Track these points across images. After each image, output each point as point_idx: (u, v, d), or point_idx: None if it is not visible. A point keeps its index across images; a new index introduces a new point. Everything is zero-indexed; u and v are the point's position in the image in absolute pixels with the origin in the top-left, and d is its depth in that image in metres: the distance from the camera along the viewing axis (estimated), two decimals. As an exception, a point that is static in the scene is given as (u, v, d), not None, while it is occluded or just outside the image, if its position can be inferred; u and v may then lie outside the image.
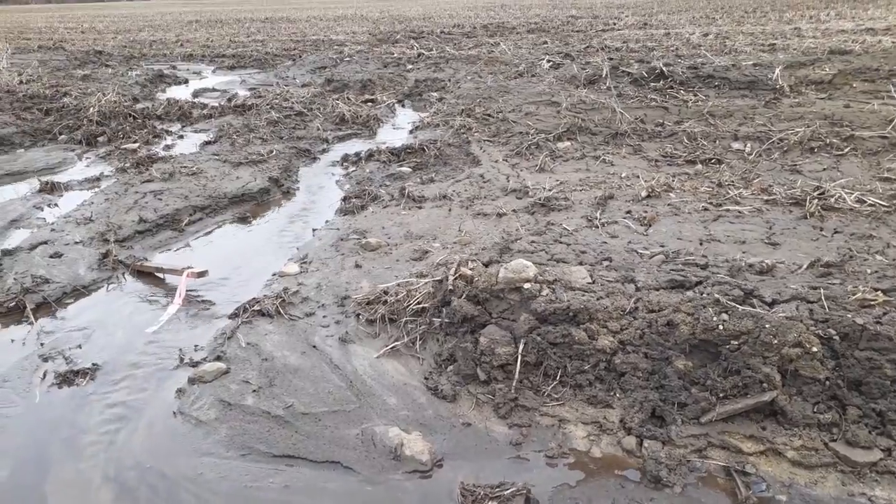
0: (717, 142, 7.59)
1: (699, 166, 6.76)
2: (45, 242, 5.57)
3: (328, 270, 5.07)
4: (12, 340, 4.26)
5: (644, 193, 5.77)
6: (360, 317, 4.35)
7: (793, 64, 10.90)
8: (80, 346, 4.19)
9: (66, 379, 3.84)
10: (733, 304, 3.32)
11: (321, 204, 6.98)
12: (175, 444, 3.29)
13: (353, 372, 3.79)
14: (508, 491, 2.64)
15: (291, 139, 9.09)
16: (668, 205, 5.52)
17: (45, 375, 3.87)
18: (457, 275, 4.19)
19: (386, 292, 4.48)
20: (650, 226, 5.03)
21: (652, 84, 10.38)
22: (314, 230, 6.09)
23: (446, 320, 4.00)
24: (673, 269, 3.94)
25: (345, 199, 6.83)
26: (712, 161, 6.89)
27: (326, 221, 6.29)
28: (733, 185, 5.97)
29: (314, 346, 4.06)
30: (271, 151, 8.28)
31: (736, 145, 7.42)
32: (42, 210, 6.59)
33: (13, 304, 4.63)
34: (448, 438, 3.23)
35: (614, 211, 5.46)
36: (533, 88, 10.82)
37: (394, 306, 4.32)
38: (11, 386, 3.77)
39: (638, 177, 6.34)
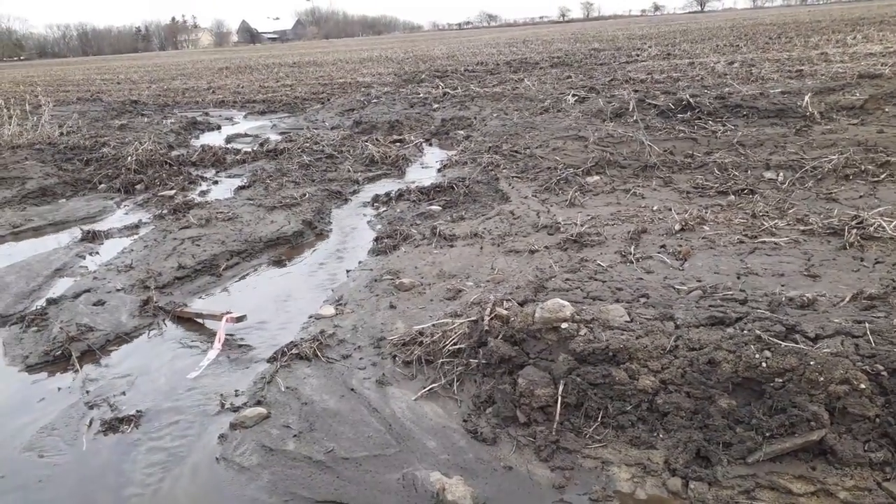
0: (749, 172, 7.54)
1: (732, 197, 6.72)
2: (88, 290, 5.72)
3: (363, 312, 5.11)
4: (59, 388, 4.36)
5: (677, 227, 5.74)
6: (397, 358, 4.37)
7: (822, 90, 10.84)
8: (124, 393, 4.27)
9: (111, 426, 3.91)
10: (775, 340, 3.27)
11: (354, 245, 7.08)
12: (219, 490, 3.32)
13: (391, 415, 3.80)
14: (554, 537, 2.61)
15: (323, 181, 9.26)
16: (703, 238, 5.48)
17: (91, 423, 3.94)
18: (492, 315, 4.20)
19: (421, 333, 4.51)
20: (685, 260, 5.00)
21: (679, 115, 10.39)
22: (348, 271, 6.16)
23: (483, 361, 4.00)
24: (712, 305, 3.90)
25: (377, 239, 6.92)
26: (745, 191, 6.84)
27: (360, 262, 6.36)
28: (768, 215, 5.92)
29: (352, 389, 4.08)
30: (304, 194, 8.44)
31: (768, 175, 7.37)
32: (84, 258, 6.79)
33: (59, 352, 4.75)
34: (490, 482, 3.21)
35: (648, 245, 5.44)
36: (559, 123, 10.90)
37: (430, 347, 4.34)
38: (59, 434, 3.85)
39: (670, 209, 6.32)
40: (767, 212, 6.04)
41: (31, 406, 4.16)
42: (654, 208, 6.54)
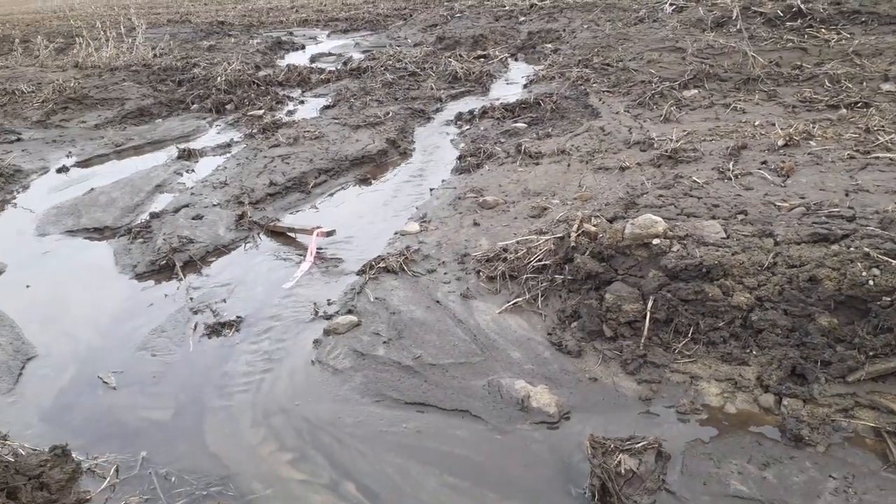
0: (865, 84, 6.92)
1: (843, 111, 6.21)
2: (187, 205, 6.00)
3: (447, 229, 5.14)
4: (165, 295, 4.67)
5: (781, 142, 5.38)
6: (481, 274, 4.40)
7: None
8: (224, 301, 4.52)
9: (214, 330, 4.16)
10: (886, 258, 3.06)
11: (437, 163, 7.06)
12: (314, 390, 3.51)
13: (476, 326, 3.86)
14: (640, 444, 2.62)
15: (406, 100, 9.20)
16: (808, 154, 5.12)
17: (196, 327, 4.22)
18: (580, 231, 4.13)
19: (505, 249, 4.50)
20: (788, 176, 4.70)
21: (788, 23, 9.56)
22: (431, 190, 6.18)
23: (569, 277, 3.96)
24: (815, 222, 3.67)
25: (460, 157, 6.86)
26: (858, 105, 6.30)
27: (443, 181, 6.35)
28: (884, 129, 5.45)
29: (438, 301, 4.16)
30: (387, 113, 8.43)
31: (886, 87, 6.74)
32: (181, 175, 7.09)
33: (164, 262, 5.04)
34: (574, 392, 3.24)
35: (748, 161, 5.14)
36: (655, 34, 10.28)
37: (514, 263, 4.33)
38: (168, 336, 4.14)
39: (773, 124, 5.92)
40: (883, 126, 5.56)
41: (142, 310, 4.48)
42: (756, 123, 6.14)
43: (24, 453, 2.92)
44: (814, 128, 5.68)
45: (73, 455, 2.99)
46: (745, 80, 7.62)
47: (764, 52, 8.44)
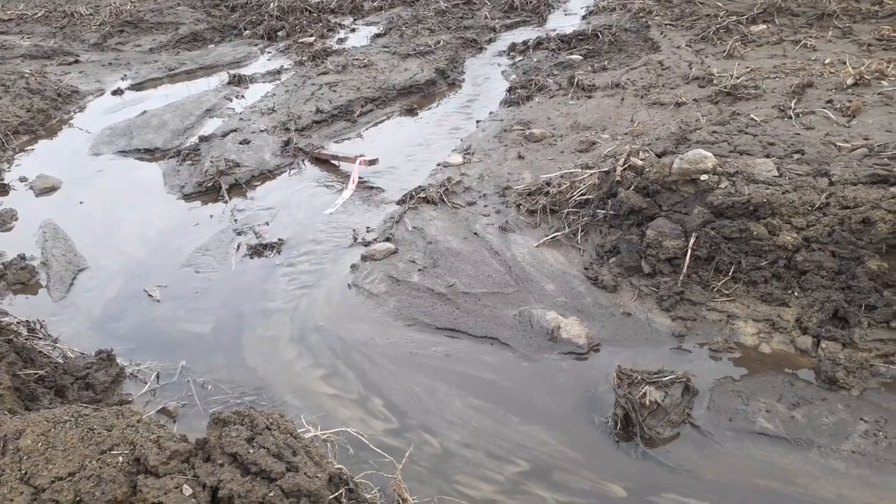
0: (951, 20, 6.39)
1: (924, 49, 5.77)
2: (235, 130, 6.06)
3: (490, 161, 5.07)
4: (211, 216, 4.77)
5: (850, 81, 5.05)
6: (521, 207, 4.34)
7: None
8: (267, 223, 4.60)
9: (256, 251, 4.25)
10: (950, 202, 2.88)
11: (486, 95, 6.91)
12: (349, 312, 3.57)
13: (511, 258, 3.83)
14: (667, 378, 2.59)
15: (458, 29, 8.98)
16: (879, 94, 4.80)
17: (238, 247, 4.31)
18: (626, 165, 4.01)
19: (548, 183, 4.42)
20: (854, 116, 4.43)
21: (871, -46, 8.84)
22: (478, 122, 6.07)
23: (611, 212, 3.88)
24: (877, 164, 3.47)
25: (510, 89, 6.70)
26: (942, 43, 5.84)
27: (490, 113, 6.23)
28: (967, 69, 5.05)
29: (475, 233, 4.14)
30: (438, 42, 8.25)
31: (976, 23, 6.21)
32: (231, 101, 7.14)
33: (210, 184, 5.14)
34: (606, 326, 3.21)
35: (812, 100, 4.86)
36: (722, -34, 9.66)
37: (556, 197, 4.26)
38: (212, 255, 4.26)
39: (844, 63, 5.55)
40: (967, 66, 5.15)
41: (188, 229, 4.60)
42: (826, 61, 5.78)
43: (72, 356, 3.08)
44: (888, 67, 5.30)
45: (118, 360, 3.15)
46: (819, 16, 7.13)
47: (843, -15, 7.84)
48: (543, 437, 2.65)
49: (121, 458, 1.83)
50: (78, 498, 1.74)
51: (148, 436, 1.90)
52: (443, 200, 4.55)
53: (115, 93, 7.65)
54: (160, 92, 7.70)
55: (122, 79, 8.13)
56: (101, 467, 1.80)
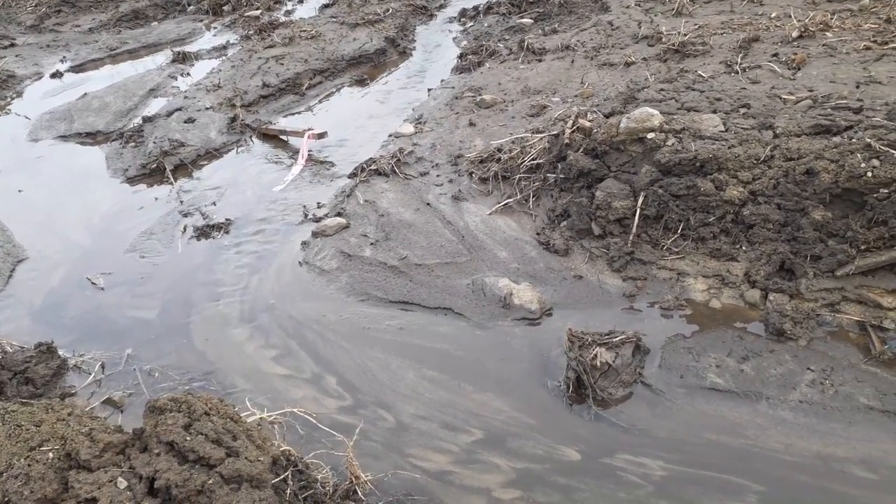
0: (894, -31, 6.43)
1: (866, 1, 5.80)
2: (180, 109, 5.86)
3: (442, 130, 4.99)
4: (156, 198, 4.62)
5: (795, 34, 5.07)
6: (473, 175, 4.29)
7: None
8: (214, 204, 4.47)
9: (203, 232, 4.14)
10: (887, 148, 2.90)
11: (437, 62, 6.80)
12: (301, 290, 3.50)
13: (464, 227, 3.79)
14: (618, 338, 2.59)
15: (408, -4, 8.79)
16: (823, 45, 4.82)
17: (185, 229, 4.19)
18: (574, 127, 3.96)
19: (499, 150, 4.36)
20: (799, 69, 4.45)
21: None
22: (429, 90, 5.97)
23: (561, 176, 3.85)
24: (820, 114, 3.48)
25: (461, 56, 6.59)
26: (885, -8, 5.88)
27: (442, 80, 6.13)
28: (907, 18, 5.09)
29: (428, 204, 4.08)
30: (388, 10, 8.07)
31: (917, -28, 6.26)
32: (176, 79, 6.91)
33: (155, 165, 4.97)
34: (558, 290, 3.20)
35: (758, 55, 4.87)
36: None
37: (507, 164, 4.21)
38: (157, 238, 4.13)
39: (790, 16, 5.56)
40: (908, 15, 5.19)
41: (132, 213, 4.45)
42: (773, 15, 5.78)
43: (10, 350, 2.97)
44: (832, 18, 5.33)
45: (60, 352, 3.04)
46: (766, -31, 7.12)
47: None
48: (497, 405, 2.64)
49: (51, 455, 1.76)
50: (6, 499, 1.67)
51: (79, 429, 1.83)
52: (395, 172, 4.47)
53: (53, 76, 7.34)
54: (102, 73, 7.42)
55: (62, 61, 7.81)
56: (29, 465, 1.73)
